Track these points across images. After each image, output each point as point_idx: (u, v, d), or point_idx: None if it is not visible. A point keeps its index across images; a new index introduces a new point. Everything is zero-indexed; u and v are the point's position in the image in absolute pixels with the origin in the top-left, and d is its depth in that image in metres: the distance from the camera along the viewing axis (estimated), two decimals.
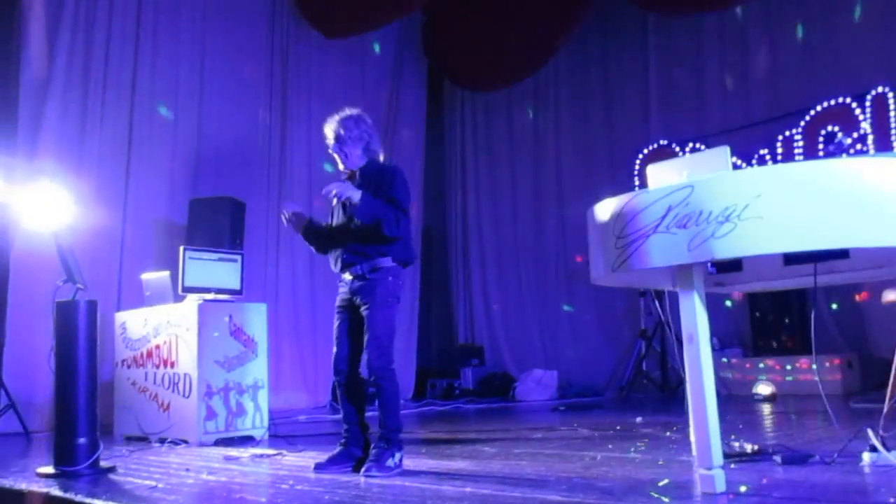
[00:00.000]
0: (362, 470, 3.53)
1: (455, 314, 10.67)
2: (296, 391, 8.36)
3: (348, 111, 3.95)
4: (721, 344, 7.91)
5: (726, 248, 2.68)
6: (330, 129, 3.91)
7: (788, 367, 7.26)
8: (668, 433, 4.66)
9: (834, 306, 7.49)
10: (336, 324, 3.88)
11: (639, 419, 5.60)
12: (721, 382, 7.65)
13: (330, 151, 3.94)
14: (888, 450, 3.06)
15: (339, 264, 3.86)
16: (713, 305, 8.17)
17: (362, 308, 3.72)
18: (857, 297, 7.28)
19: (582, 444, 4.40)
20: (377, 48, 9.84)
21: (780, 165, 2.92)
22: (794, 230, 2.63)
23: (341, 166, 3.90)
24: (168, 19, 7.63)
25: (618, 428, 5.11)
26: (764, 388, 6.82)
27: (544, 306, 9.85)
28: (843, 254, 3.05)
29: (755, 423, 5.14)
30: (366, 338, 3.68)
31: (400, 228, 3.70)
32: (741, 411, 5.90)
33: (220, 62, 8.09)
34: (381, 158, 3.98)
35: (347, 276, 3.82)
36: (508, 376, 9.24)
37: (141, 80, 7.32)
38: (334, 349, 3.87)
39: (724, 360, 7.69)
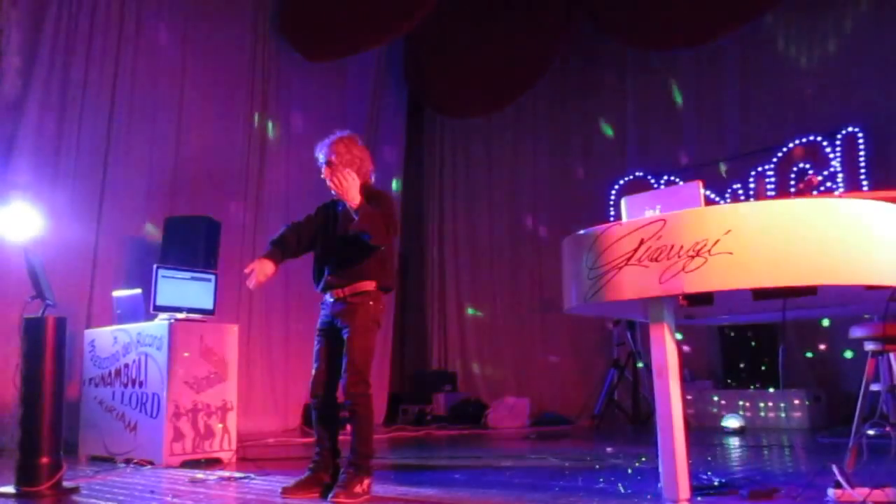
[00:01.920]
0: (330, 496, 3.50)
1: (428, 339, 10.66)
2: (265, 414, 8.27)
3: (339, 134, 3.94)
4: (691, 376, 7.97)
5: (696, 283, 2.72)
6: (321, 154, 3.87)
7: (757, 401, 7.33)
8: (637, 464, 4.67)
9: (809, 354, 7.57)
10: (316, 346, 3.86)
11: (609, 449, 5.61)
12: (690, 415, 7.71)
13: (322, 176, 3.89)
14: (852, 486, 3.09)
15: (321, 284, 3.85)
16: (685, 338, 8.29)
17: (342, 331, 3.71)
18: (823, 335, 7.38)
19: (552, 474, 4.39)
20: (358, 72, 9.89)
21: (750, 203, 2.98)
22: (763, 266, 2.68)
23: (334, 191, 3.80)
24: (149, 37, 7.62)
25: (588, 458, 5.12)
26: (733, 422, 6.87)
27: (518, 334, 9.87)
28: (810, 290, 3.10)
29: (723, 456, 5.17)
30: (344, 361, 3.66)
31: (388, 238, 3.69)
32: (709, 444, 5.93)
33: (200, 81, 8.07)
34: (372, 180, 3.97)
35: (329, 298, 3.80)
36: (481, 403, 9.23)
37: (120, 98, 7.29)
38: (313, 371, 3.85)
39: (690, 396, 7.75)
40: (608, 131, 9.50)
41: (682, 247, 2.74)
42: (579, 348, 9.29)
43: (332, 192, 3.76)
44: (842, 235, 2.71)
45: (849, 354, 7.01)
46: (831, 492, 3.14)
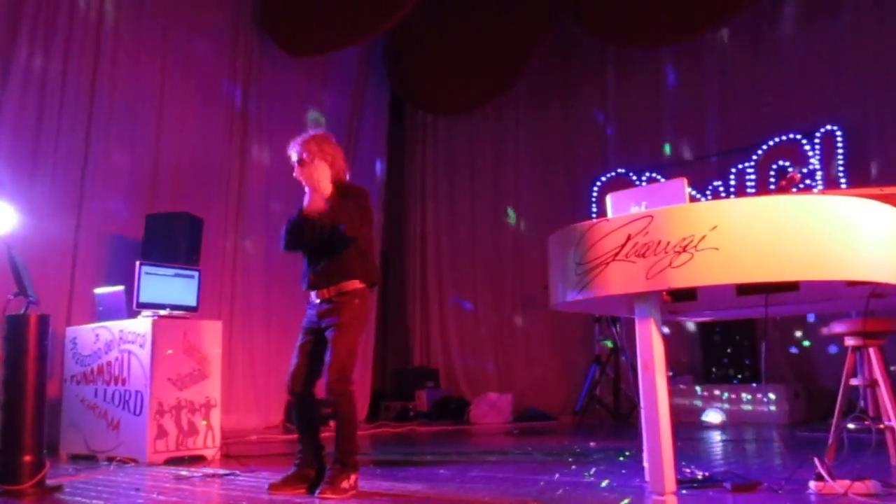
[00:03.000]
0: (316, 492, 3.50)
1: (411, 337, 10.67)
2: (248, 411, 8.24)
3: (311, 132, 3.94)
4: (672, 372, 8.04)
5: (683, 278, 2.76)
6: (293, 152, 3.88)
7: (738, 396, 7.41)
8: (620, 458, 4.71)
9: (793, 347, 7.66)
10: (298, 342, 3.85)
11: (592, 444, 5.65)
12: (672, 410, 7.76)
13: (294, 174, 3.90)
14: (834, 478, 3.14)
15: (307, 283, 3.85)
16: (667, 334, 8.34)
17: (327, 330, 3.71)
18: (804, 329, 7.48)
19: (536, 468, 4.42)
20: (340, 68, 9.87)
21: (736, 199, 3.01)
22: (747, 262, 2.72)
23: (307, 189, 3.83)
24: (129, 31, 7.55)
25: (571, 453, 5.15)
26: (714, 416, 6.94)
27: (500, 330, 9.91)
28: (792, 286, 3.14)
29: (705, 451, 5.22)
30: (327, 359, 3.66)
31: (361, 228, 3.70)
32: (691, 438, 5.99)
33: (180, 77, 8.01)
34: (347, 177, 3.97)
35: (315, 299, 3.80)
36: (463, 399, 9.25)
37: (99, 94, 7.22)
38: (291, 367, 3.83)
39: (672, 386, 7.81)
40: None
41: (668, 242, 2.77)
42: (561, 344, 9.34)
43: (306, 189, 3.79)
44: (825, 232, 2.76)
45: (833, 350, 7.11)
46: (812, 484, 3.19)
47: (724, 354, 7.74)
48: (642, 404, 2.91)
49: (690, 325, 8.17)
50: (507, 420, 8.46)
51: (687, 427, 7.03)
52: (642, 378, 2.90)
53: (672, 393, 7.58)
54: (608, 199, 3.53)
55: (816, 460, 3.20)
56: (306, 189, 3.83)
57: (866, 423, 3.78)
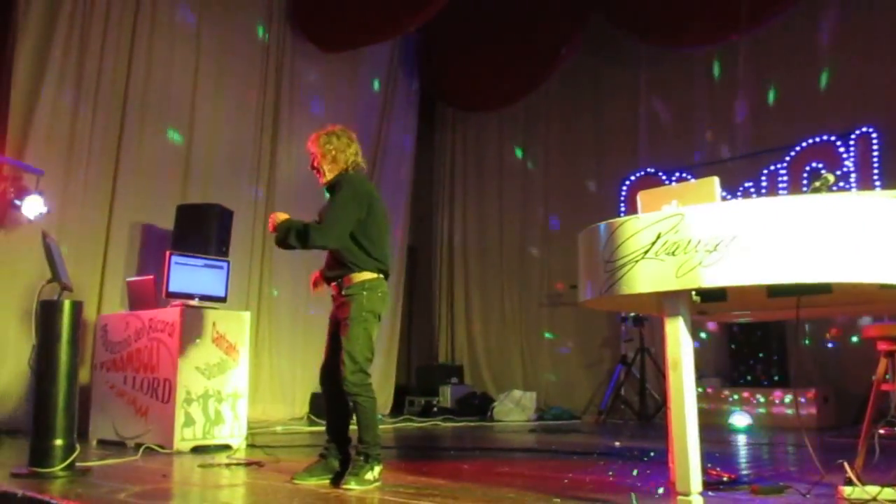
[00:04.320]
0: (342, 482, 3.52)
1: (436, 333, 10.69)
2: (273, 402, 8.32)
3: (326, 129, 4.02)
4: (699, 373, 7.96)
5: (713, 277, 2.73)
6: (308, 149, 4.02)
7: (765, 399, 7.33)
8: (645, 458, 4.68)
9: (806, 341, 7.57)
10: (327, 335, 3.92)
11: (617, 444, 5.62)
12: (699, 411, 7.70)
13: (310, 168, 4.01)
14: (863, 484, 3.09)
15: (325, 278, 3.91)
16: (693, 334, 8.27)
17: (341, 324, 3.75)
18: (833, 332, 7.38)
19: (560, 466, 4.41)
20: (371, 63, 9.89)
21: (768, 199, 2.97)
22: (779, 263, 2.68)
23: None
24: (164, 23, 7.64)
25: (596, 452, 5.13)
26: (740, 419, 6.87)
27: (526, 328, 9.89)
28: (825, 289, 3.09)
29: (731, 453, 5.18)
30: (342, 353, 3.69)
31: (324, 238, 3.72)
32: (717, 441, 5.93)
33: (213, 69, 8.09)
34: (352, 170, 3.95)
35: (332, 292, 3.87)
36: (487, 396, 9.25)
37: (134, 84, 7.31)
38: (322, 359, 3.90)
39: (700, 389, 7.74)
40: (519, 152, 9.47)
41: (699, 241, 2.74)
42: (587, 343, 9.30)
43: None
44: (859, 233, 2.71)
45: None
46: (844, 489, 3.14)
47: (753, 356, 7.65)
48: (670, 404, 2.88)
49: (719, 327, 8.09)
50: (532, 418, 8.44)
51: (714, 429, 6.97)
52: (671, 377, 2.88)
53: (699, 395, 7.56)
54: (639, 196, 3.50)
55: (846, 465, 3.16)
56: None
57: None
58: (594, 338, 9.22)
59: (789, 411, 7.14)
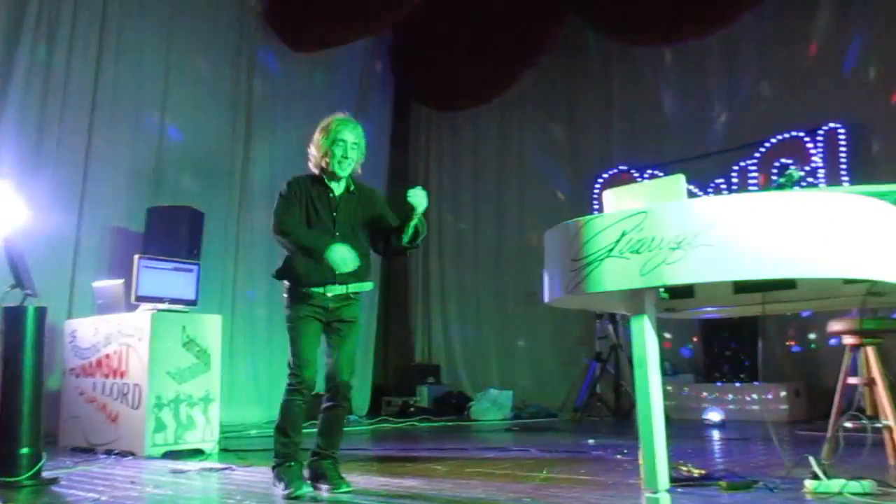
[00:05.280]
0: (336, 487, 3.45)
1: (413, 333, 10.68)
2: (249, 405, 8.26)
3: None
4: (673, 369, 8.03)
5: (677, 275, 2.73)
6: (349, 138, 3.74)
7: (738, 395, 7.39)
8: (618, 456, 4.70)
9: (795, 345, 7.64)
10: (313, 336, 3.79)
11: (591, 441, 5.64)
12: (672, 407, 7.75)
13: (355, 157, 3.77)
14: (829, 478, 3.12)
15: None
16: (668, 331, 8.33)
17: (344, 323, 3.72)
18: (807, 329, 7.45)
19: (533, 465, 4.41)
20: (344, 63, 9.84)
21: (731, 196, 2.99)
22: (742, 259, 2.69)
23: (349, 171, 3.75)
24: (133, 25, 7.56)
25: (572, 450, 5.14)
26: (714, 415, 6.92)
27: (502, 327, 9.90)
28: (790, 284, 3.12)
29: (704, 449, 5.21)
30: (341, 356, 3.71)
31: (274, 229, 3.66)
32: (691, 436, 5.97)
33: (184, 70, 8.02)
34: (324, 165, 3.79)
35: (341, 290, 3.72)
36: (464, 395, 9.25)
37: (102, 85, 7.24)
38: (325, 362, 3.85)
39: (669, 387, 7.83)
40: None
41: (663, 239, 2.74)
42: (563, 341, 9.33)
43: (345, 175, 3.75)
44: (822, 229, 2.73)
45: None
46: (808, 483, 3.17)
47: (726, 352, 7.71)
48: (636, 401, 2.89)
49: (692, 323, 8.13)
50: (508, 416, 8.45)
51: (687, 425, 7.02)
52: (636, 375, 2.88)
53: (671, 391, 7.63)
54: (605, 195, 3.50)
55: (812, 459, 3.19)
56: (348, 173, 3.82)
57: (863, 422, 3.76)
58: (570, 336, 9.25)
59: (755, 407, 7.20)
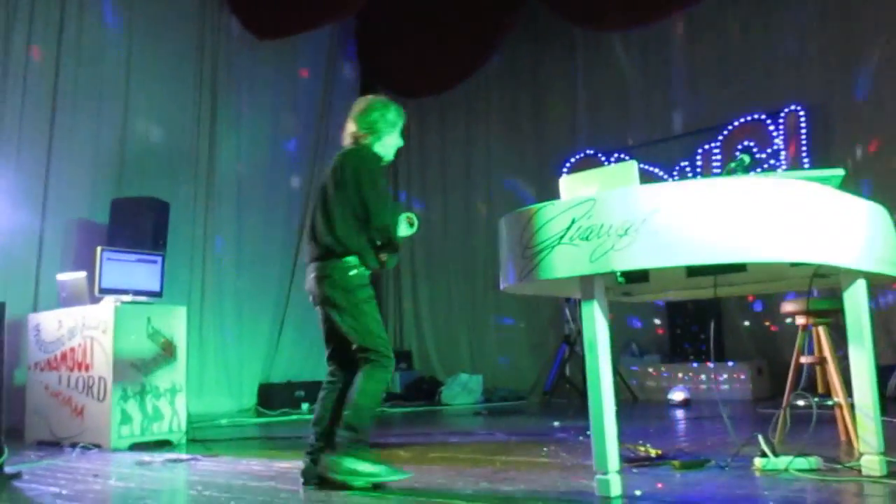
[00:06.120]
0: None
1: (384, 318, 10.68)
2: (220, 395, 8.25)
3: None
4: (640, 351, 8.14)
5: (625, 261, 2.79)
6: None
7: (701, 374, 7.52)
8: (581, 437, 4.77)
9: (757, 325, 7.77)
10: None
11: (556, 423, 5.72)
12: (637, 388, 7.88)
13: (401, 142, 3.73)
14: (777, 455, 3.21)
15: None
16: (635, 314, 8.44)
17: None
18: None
19: (496, 448, 4.47)
20: (309, 51, 9.79)
21: (678, 183, 3.05)
22: (689, 245, 2.75)
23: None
24: (93, 14, 7.48)
25: (537, 432, 5.21)
26: (678, 394, 7.04)
27: (472, 311, 9.96)
28: (740, 267, 3.18)
29: (666, 428, 5.31)
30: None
31: None
32: (655, 416, 6.07)
33: (146, 59, 7.94)
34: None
35: None
36: (435, 380, 9.31)
37: (64, 75, 7.16)
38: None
39: (634, 368, 7.97)
40: None
41: (611, 226, 2.80)
42: (532, 325, 9.42)
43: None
44: (764, 214, 2.79)
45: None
46: (757, 461, 3.26)
47: (690, 333, 7.83)
48: (588, 385, 2.95)
49: (658, 305, 8.25)
50: (479, 400, 8.53)
51: (652, 406, 7.13)
52: (587, 359, 2.94)
53: (638, 370, 7.75)
54: (560, 181, 3.55)
55: (760, 437, 3.27)
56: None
57: (815, 399, 3.85)
58: (539, 319, 9.34)
59: (724, 387, 7.34)
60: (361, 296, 3.51)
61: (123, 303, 5.25)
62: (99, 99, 7.49)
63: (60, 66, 7.14)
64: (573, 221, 2.90)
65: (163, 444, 5.16)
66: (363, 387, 3.36)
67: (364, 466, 3.25)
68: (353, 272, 3.48)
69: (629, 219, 2.79)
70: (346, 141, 3.68)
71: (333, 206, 3.50)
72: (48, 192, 6.98)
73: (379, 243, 3.57)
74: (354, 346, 3.45)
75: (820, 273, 3.28)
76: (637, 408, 7.13)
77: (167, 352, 5.33)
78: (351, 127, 3.64)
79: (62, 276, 5.75)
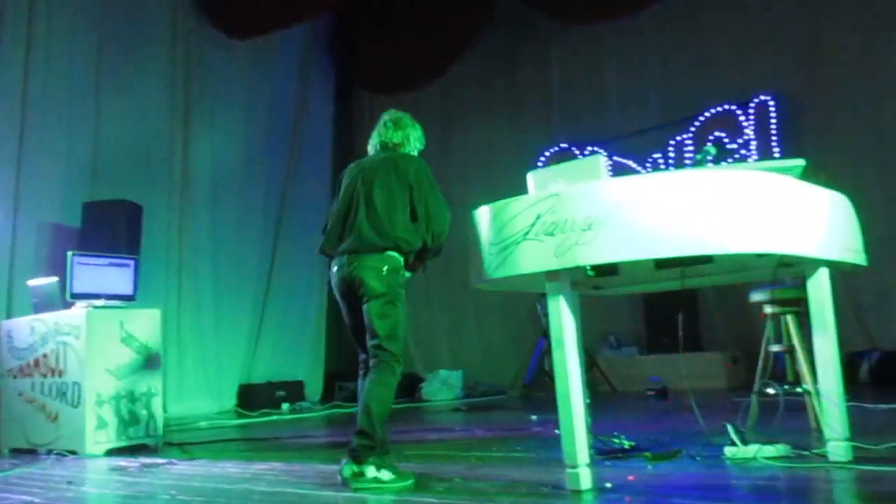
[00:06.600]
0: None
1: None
2: (199, 397, 8.22)
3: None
4: (618, 342, 8.19)
5: (589, 255, 2.80)
6: None
7: (678, 365, 7.55)
8: (556, 431, 4.78)
9: (731, 314, 7.81)
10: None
11: (534, 417, 5.74)
12: (615, 380, 7.93)
13: None
14: (746, 444, 3.24)
15: None
16: (613, 306, 8.48)
17: None
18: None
19: (472, 444, 4.49)
20: (284, 50, 9.75)
21: (640, 177, 3.07)
22: (652, 238, 2.77)
23: None
24: (64, 11, 7.39)
25: (513, 427, 5.23)
26: (656, 385, 7.08)
27: (452, 307, 9.97)
28: (707, 259, 3.21)
29: (642, 420, 5.34)
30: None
31: None
32: (632, 408, 6.11)
33: (118, 61, 7.87)
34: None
35: None
36: (415, 376, 9.31)
37: (33, 77, 7.08)
38: None
39: (612, 357, 8.02)
40: None
41: (575, 221, 2.81)
42: (511, 319, 9.43)
43: None
44: (727, 206, 2.81)
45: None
46: (727, 450, 3.29)
47: (668, 325, 7.87)
48: (555, 380, 2.97)
49: (636, 296, 8.28)
50: (459, 396, 8.55)
51: (631, 396, 7.18)
52: (554, 354, 2.96)
53: (618, 362, 7.78)
54: (528, 177, 3.56)
55: (729, 426, 3.31)
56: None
57: (785, 386, 3.90)
58: (518, 313, 9.34)
59: (706, 375, 7.39)
60: (401, 295, 3.55)
61: (95, 307, 5.21)
62: (70, 100, 7.42)
63: (29, 67, 7.06)
64: (538, 217, 2.92)
65: (139, 449, 5.13)
66: (377, 393, 3.41)
67: (384, 474, 3.25)
68: (401, 270, 3.55)
69: (592, 213, 2.81)
70: (377, 145, 4.03)
71: (392, 202, 3.59)
72: (19, 196, 6.91)
73: (429, 246, 3.63)
74: (374, 342, 3.46)
75: (784, 262, 3.32)
76: (615, 399, 7.17)
77: (142, 355, 5.30)
78: (389, 133, 4.03)
79: (34, 282, 5.70)
